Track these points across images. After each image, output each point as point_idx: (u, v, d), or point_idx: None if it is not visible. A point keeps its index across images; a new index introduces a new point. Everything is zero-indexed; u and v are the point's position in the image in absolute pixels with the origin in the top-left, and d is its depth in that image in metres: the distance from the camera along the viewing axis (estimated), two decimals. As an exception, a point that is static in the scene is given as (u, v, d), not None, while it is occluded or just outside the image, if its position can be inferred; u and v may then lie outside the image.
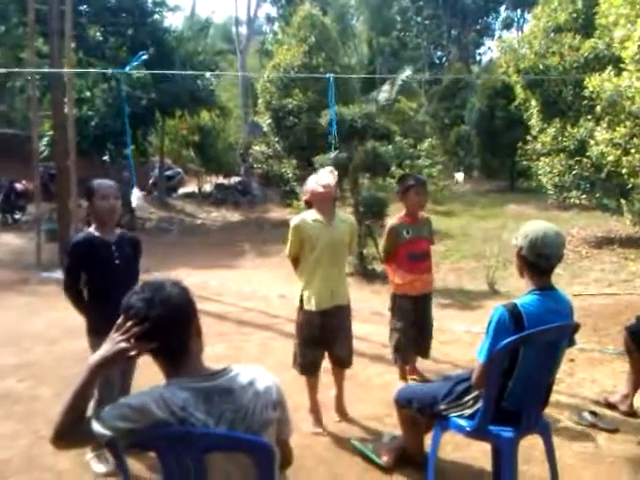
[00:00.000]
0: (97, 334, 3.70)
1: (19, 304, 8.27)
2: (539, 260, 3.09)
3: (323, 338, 4.34)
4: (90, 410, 2.05)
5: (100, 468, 3.81)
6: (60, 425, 2.00)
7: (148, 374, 2.33)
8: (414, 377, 5.30)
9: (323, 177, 4.31)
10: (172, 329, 2.04)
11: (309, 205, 4.41)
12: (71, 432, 2.00)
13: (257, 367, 2.19)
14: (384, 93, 16.04)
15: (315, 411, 4.46)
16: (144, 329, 2.01)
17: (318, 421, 4.42)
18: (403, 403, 3.62)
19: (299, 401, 4.44)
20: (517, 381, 3.06)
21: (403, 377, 5.21)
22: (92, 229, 3.91)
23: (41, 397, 5.04)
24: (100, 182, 3.91)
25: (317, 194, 4.28)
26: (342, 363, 4.54)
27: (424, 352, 5.31)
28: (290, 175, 16.65)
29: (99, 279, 3.83)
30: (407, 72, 15.74)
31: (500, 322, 3.01)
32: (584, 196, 12.09)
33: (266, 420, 2.07)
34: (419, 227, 5.18)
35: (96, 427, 1.95)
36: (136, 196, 3.89)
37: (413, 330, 5.12)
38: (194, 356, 2.10)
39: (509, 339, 2.95)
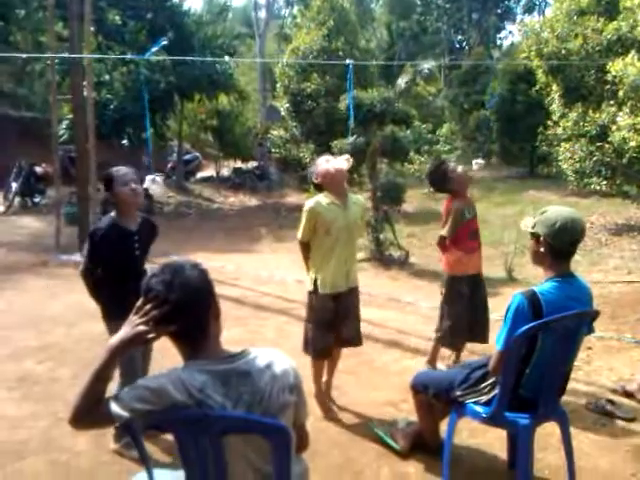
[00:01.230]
0: (112, 320, 3.75)
1: (38, 286, 8.36)
2: (567, 246, 3.08)
3: (335, 321, 4.34)
4: (111, 392, 2.06)
5: (135, 454, 3.83)
6: (78, 406, 2.02)
7: (170, 356, 2.34)
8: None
9: (337, 161, 4.31)
10: (191, 312, 2.04)
11: (319, 188, 4.38)
12: (89, 413, 2.02)
13: (274, 350, 2.19)
14: (404, 78, 15.92)
15: (322, 396, 4.48)
16: (163, 312, 2.02)
17: (328, 406, 4.44)
18: (419, 388, 3.63)
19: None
20: (535, 368, 3.05)
21: (432, 362, 5.16)
22: (114, 215, 3.88)
23: (60, 379, 5.11)
24: (118, 169, 3.89)
25: (330, 176, 4.26)
26: (352, 343, 4.53)
27: (483, 335, 5.10)
28: (308, 160, 16.58)
29: (117, 267, 3.83)
30: (431, 62, 15.59)
31: (518, 310, 3.00)
32: (604, 183, 11.96)
33: (283, 403, 2.08)
34: (472, 206, 5.12)
35: (114, 408, 1.97)
36: (150, 181, 3.84)
37: (467, 315, 4.99)
38: (212, 339, 2.11)
39: (527, 326, 2.94)
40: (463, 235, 4.98)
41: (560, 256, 3.11)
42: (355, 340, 4.54)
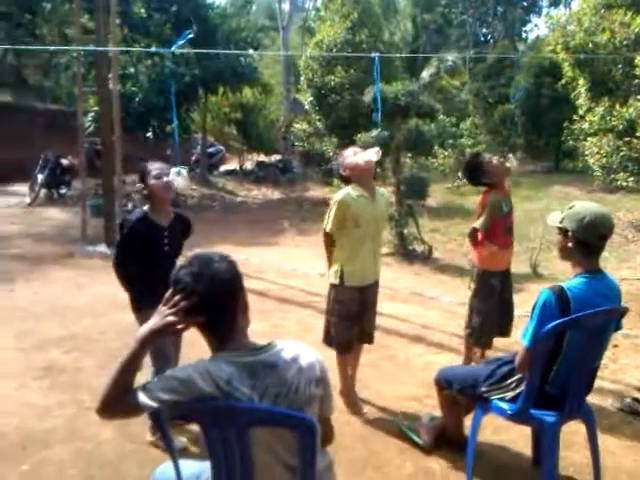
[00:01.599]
0: (142, 310, 3.78)
1: (64, 277, 8.45)
2: (597, 241, 3.04)
3: (359, 314, 4.33)
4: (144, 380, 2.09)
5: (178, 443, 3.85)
6: (107, 396, 2.05)
7: (198, 348, 2.36)
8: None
9: (366, 154, 4.29)
10: (219, 304, 2.06)
11: (346, 180, 4.35)
12: (117, 403, 2.05)
13: (300, 343, 2.20)
14: (429, 71, 15.82)
15: (350, 390, 4.44)
16: (191, 303, 2.03)
17: (355, 401, 4.42)
18: (443, 384, 3.61)
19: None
20: (562, 365, 3.03)
21: (469, 359, 5.03)
22: (147, 209, 3.92)
23: (86, 369, 5.16)
24: (152, 163, 3.98)
25: (359, 168, 4.24)
26: (370, 339, 4.53)
27: (507, 330, 5.01)
28: (331, 153, 16.59)
29: (145, 261, 3.86)
30: (455, 54, 15.44)
31: (545, 306, 2.96)
32: (632, 178, 11.81)
33: (309, 396, 2.08)
34: (509, 199, 4.95)
35: (142, 398, 1.99)
36: (175, 173, 3.87)
37: (497, 311, 4.86)
38: (240, 331, 2.12)
39: (555, 322, 2.91)
40: (499, 229, 4.81)
41: (588, 251, 3.07)
42: (372, 337, 4.54)
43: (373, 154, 4.28)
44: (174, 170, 3.87)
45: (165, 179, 3.88)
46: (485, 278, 4.87)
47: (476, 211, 4.90)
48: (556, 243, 3.26)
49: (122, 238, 3.91)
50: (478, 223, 4.78)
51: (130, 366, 2.08)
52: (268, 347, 2.10)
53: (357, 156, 4.28)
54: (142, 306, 3.78)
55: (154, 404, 1.97)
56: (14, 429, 4.07)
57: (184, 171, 3.96)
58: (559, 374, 3.04)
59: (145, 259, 3.87)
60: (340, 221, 4.21)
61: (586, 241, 3.03)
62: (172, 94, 7.76)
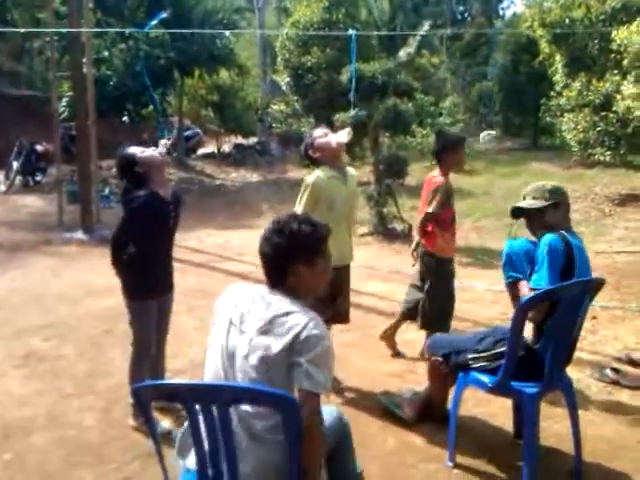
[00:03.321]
0: (136, 300, 3.75)
1: (42, 265, 8.36)
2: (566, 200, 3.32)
3: (333, 295, 4.26)
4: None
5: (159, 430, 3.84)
6: None
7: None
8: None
9: (338, 135, 4.24)
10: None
11: (314, 162, 4.31)
12: None
13: (308, 315, 2.28)
14: (405, 50, 15.73)
15: None
16: None
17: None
18: (434, 349, 3.61)
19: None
20: (547, 334, 3.08)
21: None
22: (152, 188, 3.70)
23: (65, 356, 5.12)
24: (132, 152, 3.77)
25: (330, 150, 4.20)
26: (346, 318, 4.51)
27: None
28: (309, 135, 16.50)
29: (152, 240, 3.74)
30: (425, 26, 15.31)
31: (553, 247, 3.07)
32: (609, 153, 11.88)
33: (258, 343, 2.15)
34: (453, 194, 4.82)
35: None
36: (162, 145, 3.83)
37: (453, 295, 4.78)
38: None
39: (545, 289, 3.00)
40: (447, 217, 4.70)
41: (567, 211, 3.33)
42: (348, 316, 4.52)
43: (344, 135, 4.24)
44: (162, 142, 3.82)
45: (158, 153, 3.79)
46: (444, 265, 4.76)
47: (425, 197, 4.71)
48: (548, 223, 3.29)
49: (131, 216, 3.69)
50: (432, 207, 4.59)
51: None
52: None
53: (328, 137, 4.23)
54: (137, 295, 3.75)
55: None
56: (-5, 418, 4.03)
57: (167, 142, 3.92)
58: (544, 342, 3.08)
59: (149, 240, 3.74)
60: (312, 204, 4.15)
61: (563, 201, 3.28)
62: (145, 76, 7.61)
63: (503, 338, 3.26)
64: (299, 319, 2.18)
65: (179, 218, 3.95)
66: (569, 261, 3.06)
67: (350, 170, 4.47)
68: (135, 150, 3.77)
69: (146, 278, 3.71)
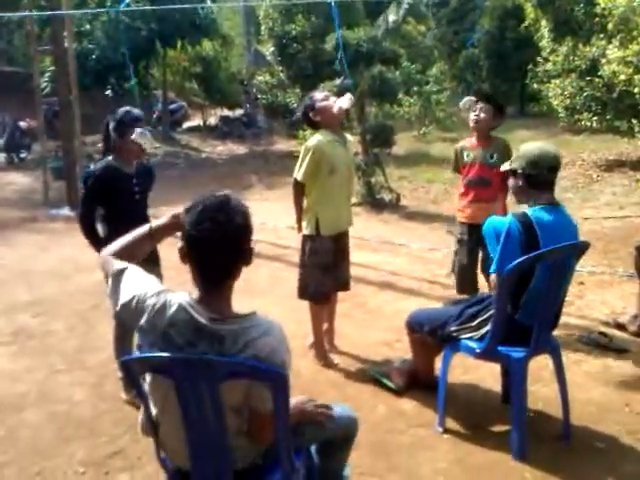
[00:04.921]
0: None
1: (29, 242, 8.31)
2: (546, 173, 3.12)
3: (334, 263, 4.29)
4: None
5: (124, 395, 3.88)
6: (116, 249, 2.21)
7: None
8: None
9: (340, 100, 4.18)
10: (212, 252, 1.99)
11: (313, 125, 4.28)
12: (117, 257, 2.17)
13: (278, 330, 2.03)
14: (390, 16, 15.52)
15: (321, 343, 4.42)
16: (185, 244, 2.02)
17: (325, 353, 4.40)
18: (414, 326, 3.65)
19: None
20: (530, 296, 3.08)
21: None
22: (111, 159, 3.79)
23: (55, 332, 5.11)
24: (135, 119, 3.79)
25: (331, 114, 4.14)
26: (347, 285, 4.52)
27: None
28: (295, 105, 16.36)
29: (119, 214, 3.73)
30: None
31: (511, 231, 3.02)
32: (595, 118, 11.86)
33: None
34: (481, 151, 4.64)
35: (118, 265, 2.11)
36: (138, 134, 3.80)
37: (467, 260, 4.69)
38: (221, 289, 2.06)
39: (520, 259, 2.96)
40: (462, 179, 4.83)
41: (541, 186, 3.14)
42: (349, 283, 4.54)
43: (346, 101, 4.18)
44: (138, 131, 3.77)
45: (143, 141, 3.77)
46: (458, 226, 4.83)
47: None
48: (510, 187, 3.31)
49: (87, 190, 3.77)
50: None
51: (134, 242, 2.23)
52: (236, 320, 2.02)
53: (330, 101, 4.16)
54: None
55: (114, 297, 2.06)
56: (-15, 395, 4.03)
57: (147, 132, 3.89)
58: (527, 306, 3.09)
59: (117, 212, 3.75)
60: (314, 168, 4.09)
61: (535, 175, 3.11)
62: (126, 50, 7.41)
63: (482, 308, 3.29)
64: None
65: (148, 190, 3.98)
66: (531, 240, 2.99)
67: (347, 136, 4.44)
68: (136, 127, 3.76)
69: None
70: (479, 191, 4.62)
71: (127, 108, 3.83)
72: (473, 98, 4.70)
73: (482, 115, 4.54)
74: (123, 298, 2.05)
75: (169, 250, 2.22)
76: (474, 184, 4.64)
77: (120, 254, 2.18)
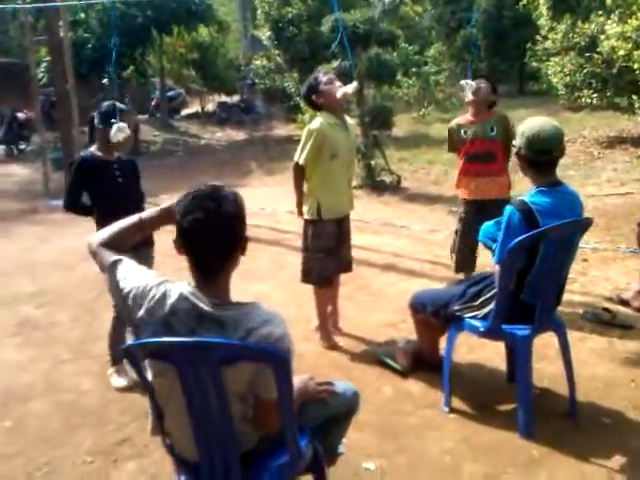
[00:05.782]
0: None
1: (30, 233, 8.30)
2: (539, 156, 3.04)
3: (337, 246, 4.29)
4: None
5: (119, 382, 3.92)
6: (105, 234, 2.20)
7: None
8: None
9: (346, 88, 4.16)
10: (206, 243, 1.98)
11: (316, 107, 4.24)
12: (109, 247, 2.16)
13: (279, 319, 2.01)
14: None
15: (326, 326, 4.43)
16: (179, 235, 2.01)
17: (329, 336, 4.41)
18: (417, 307, 3.64)
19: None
20: (533, 277, 3.06)
21: None
22: (93, 149, 3.96)
23: (59, 322, 5.12)
24: (122, 110, 3.93)
25: (334, 99, 4.12)
26: (349, 267, 4.53)
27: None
28: (293, 90, 16.26)
29: (105, 198, 3.87)
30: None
31: (511, 221, 2.99)
32: (595, 95, 11.79)
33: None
34: (480, 126, 4.68)
35: (111, 271, 2.10)
36: (116, 128, 3.89)
37: (469, 238, 4.71)
38: (221, 277, 2.04)
39: (521, 237, 2.94)
40: (460, 157, 4.89)
41: (537, 167, 3.09)
42: (351, 265, 4.54)
43: (351, 88, 4.19)
44: (115, 127, 3.85)
45: (130, 132, 3.94)
46: (461, 204, 4.94)
47: None
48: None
49: (75, 177, 3.92)
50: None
51: (127, 227, 2.21)
52: (236, 306, 2.01)
53: (333, 85, 4.13)
54: None
55: (111, 283, 2.08)
56: (-8, 387, 4.03)
57: (123, 125, 3.94)
58: (531, 285, 3.08)
59: (103, 196, 3.88)
60: (316, 152, 4.07)
61: (528, 156, 3.06)
62: (114, 39, 7.27)
63: (485, 287, 3.28)
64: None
65: (135, 177, 4.10)
66: (532, 227, 2.96)
67: (348, 119, 4.41)
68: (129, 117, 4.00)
69: None
70: (484, 165, 4.67)
71: (112, 102, 3.99)
72: (471, 81, 4.69)
73: (482, 85, 4.62)
74: (122, 290, 2.05)
75: (167, 237, 2.20)
76: (479, 159, 4.67)
77: (108, 243, 2.17)
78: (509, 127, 4.72)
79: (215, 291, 2.01)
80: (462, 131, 4.75)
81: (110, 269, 2.10)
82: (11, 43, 22.00)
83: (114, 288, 2.09)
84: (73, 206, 3.96)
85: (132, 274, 2.08)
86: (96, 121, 3.91)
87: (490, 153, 4.65)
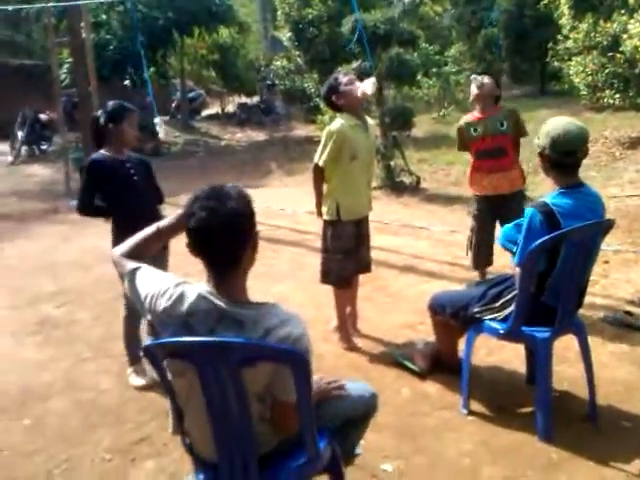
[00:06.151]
0: None
1: (51, 233, 8.39)
2: (563, 158, 3.00)
3: (356, 247, 4.29)
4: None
5: (137, 381, 3.94)
6: (125, 249, 2.24)
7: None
8: None
9: (365, 85, 4.14)
10: (222, 242, 1.98)
11: (336, 108, 4.22)
12: (126, 256, 2.22)
13: (297, 319, 2.01)
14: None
15: (345, 327, 4.42)
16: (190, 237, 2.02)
17: (349, 337, 4.40)
18: (437, 309, 3.62)
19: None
20: (555, 279, 3.03)
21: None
22: (103, 151, 3.91)
23: (79, 321, 5.16)
24: (130, 108, 3.92)
25: (355, 99, 4.11)
26: (368, 268, 4.52)
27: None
28: (313, 90, 16.29)
29: (122, 197, 3.86)
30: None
31: (532, 223, 2.96)
32: (618, 95, 11.66)
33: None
34: (489, 122, 4.69)
35: (129, 279, 2.15)
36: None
37: (484, 235, 4.80)
38: (238, 277, 2.05)
39: (542, 239, 2.91)
40: (472, 154, 4.90)
41: (561, 168, 3.05)
42: (370, 266, 4.53)
43: (370, 86, 4.14)
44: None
45: (136, 128, 3.93)
46: (474, 202, 4.97)
47: None
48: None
49: (88, 178, 3.88)
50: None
51: (145, 239, 2.26)
52: (255, 306, 2.01)
53: (354, 85, 4.11)
54: None
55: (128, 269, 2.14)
56: (13, 385, 4.07)
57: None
58: (552, 288, 3.05)
59: (119, 196, 3.86)
60: (336, 153, 4.06)
61: (552, 157, 3.01)
62: (138, 41, 7.34)
63: (505, 288, 3.25)
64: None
65: (149, 177, 4.06)
66: (554, 229, 2.93)
67: (369, 120, 4.40)
68: (131, 115, 3.91)
69: (127, 232, 3.63)
70: (496, 161, 4.68)
71: (117, 100, 3.98)
72: (479, 77, 4.69)
73: (486, 80, 4.63)
74: (141, 295, 2.09)
75: (177, 239, 2.23)
76: (490, 155, 4.68)
77: (129, 254, 2.22)
78: (519, 120, 4.76)
79: (232, 290, 2.02)
80: (472, 129, 4.75)
81: (129, 276, 2.15)
82: (34, 45, 22.27)
83: (133, 294, 2.13)
84: (87, 209, 3.95)
85: (150, 279, 2.12)
86: (102, 120, 3.85)
87: (501, 148, 4.67)
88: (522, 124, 4.79)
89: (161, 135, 3.73)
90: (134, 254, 2.22)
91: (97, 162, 3.85)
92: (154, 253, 2.32)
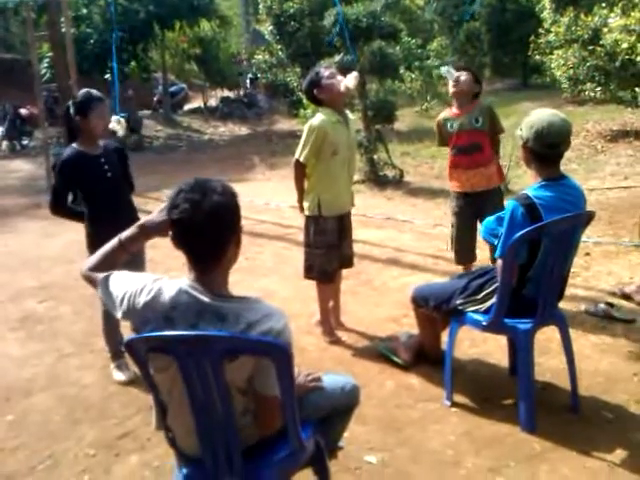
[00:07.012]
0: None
1: (34, 228, 8.31)
2: (546, 150, 3.01)
3: (338, 242, 4.29)
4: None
5: (121, 376, 3.93)
6: (93, 263, 2.22)
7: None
8: None
9: (346, 79, 4.13)
10: (206, 235, 1.97)
11: (317, 102, 4.21)
12: (96, 270, 2.19)
13: (278, 312, 2.00)
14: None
15: (328, 321, 4.44)
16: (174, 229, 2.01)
17: (332, 330, 4.42)
18: (419, 302, 3.64)
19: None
20: (536, 269, 3.05)
21: None
22: (76, 145, 3.81)
23: (62, 317, 5.13)
24: (97, 97, 3.79)
25: (337, 93, 4.10)
26: (351, 262, 4.53)
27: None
28: (295, 84, 16.24)
29: (94, 195, 3.81)
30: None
31: (514, 215, 2.98)
32: (599, 88, 11.74)
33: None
34: (465, 118, 4.61)
35: (103, 286, 2.12)
36: (115, 121, 3.86)
37: (465, 231, 4.74)
38: (221, 268, 2.04)
39: (523, 231, 2.92)
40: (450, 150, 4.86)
41: (543, 160, 3.06)
42: (352, 260, 4.54)
43: (352, 80, 4.14)
44: (114, 118, 3.78)
45: (106, 118, 3.86)
46: (452, 199, 4.94)
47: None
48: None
49: (60, 179, 3.78)
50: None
51: (124, 243, 2.20)
52: (237, 300, 2.01)
53: (335, 79, 4.09)
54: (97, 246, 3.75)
55: (105, 297, 2.11)
56: (-5, 381, 4.04)
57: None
58: (533, 280, 3.07)
59: (92, 194, 3.81)
60: (317, 149, 4.05)
61: (536, 150, 3.02)
62: (115, 34, 7.27)
63: (487, 280, 3.27)
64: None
65: (123, 169, 3.99)
66: (536, 221, 2.95)
67: (349, 114, 4.39)
68: (98, 107, 3.78)
69: (101, 228, 3.58)
70: (473, 157, 4.63)
71: (86, 89, 3.86)
72: (452, 69, 4.65)
73: (463, 77, 4.56)
74: (117, 297, 2.07)
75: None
76: (465, 151, 4.64)
77: (98, 268, 2.19)
78: (494, 116, 4.71)
79: (214, 284, 2.01)
80: (449, 124, 4.71)
81: (102, 283, 2.13)
82: (13, 39, 22.01)
83: (109, 298, 2.10)
84: (59, 211, 3.87)
85: (126, 279, 2.10)
86: (72, 111, 3.75)
87: (476, 145, 4.61)
88: (498, 120, 4.74)
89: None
90: (102, 268, 2.18)
91: (67, 163, 3.73)
92: (122, 262, 2.26)
